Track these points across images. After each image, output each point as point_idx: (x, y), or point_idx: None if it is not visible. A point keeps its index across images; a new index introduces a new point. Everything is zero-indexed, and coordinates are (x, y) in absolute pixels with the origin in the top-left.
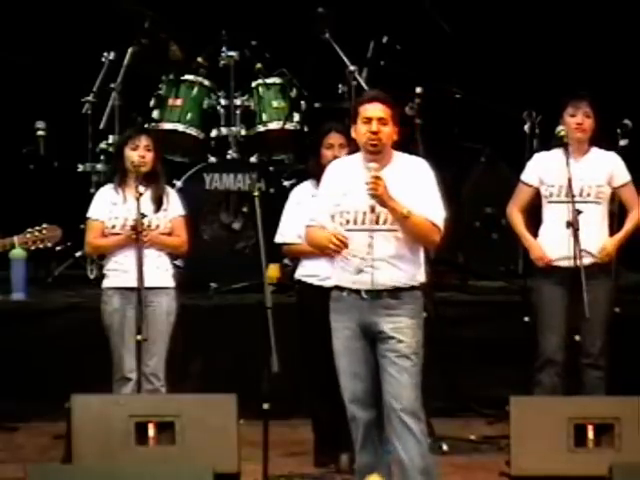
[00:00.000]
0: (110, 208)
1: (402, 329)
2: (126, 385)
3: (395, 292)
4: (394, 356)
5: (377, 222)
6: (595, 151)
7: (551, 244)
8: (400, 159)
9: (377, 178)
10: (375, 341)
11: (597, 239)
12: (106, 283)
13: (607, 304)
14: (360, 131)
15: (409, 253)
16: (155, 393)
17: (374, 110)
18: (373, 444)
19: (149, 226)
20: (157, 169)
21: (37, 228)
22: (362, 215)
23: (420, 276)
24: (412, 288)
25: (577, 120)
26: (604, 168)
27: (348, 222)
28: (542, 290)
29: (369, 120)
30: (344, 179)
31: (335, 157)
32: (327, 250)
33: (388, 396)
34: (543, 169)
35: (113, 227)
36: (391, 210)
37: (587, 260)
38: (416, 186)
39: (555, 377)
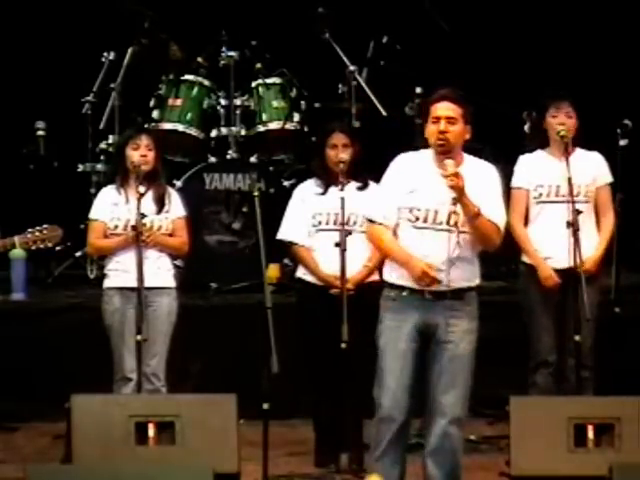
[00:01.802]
0: (112, 209)
1: (462, 332)
2: (126, 385)
3: (459, 293)
4: (449, 360)
5: (449, 222)
6: (579, 151)
7: (542, 244)
8: (470, 162)
9: (456, 173)
10: (429, 343)
11: (589, 239)
12: (107, 283)
13: (595, 305)
14: (430, 131)
15: (472, 255)
16: (155, 393)
17: (443, 109)
18: (401, 443)
19: (151, 227)
20: (158, 168)
21: (38, 228)
22: (433, 214)
23: (478, 278)
24: (471, 289)
25: (559, 120)
26: (590, 167)
27: (418, 219)
28: (531, 291)
29: (438, 119)
30: (412, 175)
31: (338, 157)
32: (418, 280)
33: (439, 403)
34: (531, 170)
35: (115, 228)
36: (465, 206)
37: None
38: (483, 189)
39: (549, 378)
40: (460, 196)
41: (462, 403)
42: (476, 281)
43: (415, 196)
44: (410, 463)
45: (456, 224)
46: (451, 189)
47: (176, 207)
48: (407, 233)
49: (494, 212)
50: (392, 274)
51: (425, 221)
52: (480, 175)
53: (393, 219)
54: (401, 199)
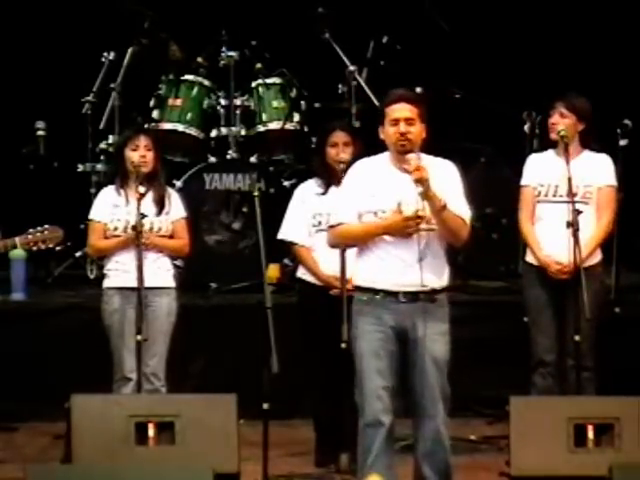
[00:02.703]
0: (112, 210)
1: (437, 334)
2: (126, 385)
3: (432, 294)
4: (430, 362)
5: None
6: (586, 153)
7: (542, 243)
8: (429, 160)
9: (419, 166)
10: (407, 346)
11: (584, 239)
12: (107, 283)
13: (594, 306)
14: (388, 133)
15: (442, 253)
16: (155, 393)
17: (401, 110)
18: (389, 446)
19: (151, 228)
20: (157, 169)
21: (39, 229)
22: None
23: (448, 278)
24: (443, 290)
25: (552, 120)
26: (592, 169)
27: None
28: (531, 292)
29: (397, 121)
30: (370, 180)
31: (339, 155)
32: (405, 230)
33: (425, 404)
34: (538, 169)
35: (115, 229)
36: (431, 199)
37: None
38: (445, 186)
39: (549, 377)
40: (426, 189)
41: (443, 404)
42: (446, 281)
43: (378, 199)
44: (402, 464)
45: (422, 221)
46: (417, 183)
47: (176, 208)
48: (376, 237)
49: (458, 206)
50: (365, 278)
51: None
52: (440, 172)
53: (354, 221)
54: (363, 204)
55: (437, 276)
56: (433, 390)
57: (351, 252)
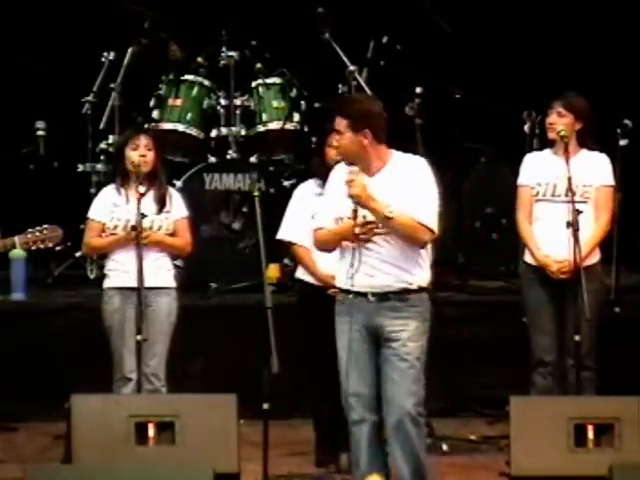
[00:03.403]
0: (111, 209)
1: (407, 333)
2: (126, 385)
3: (402, 294)
4: (397, 360)
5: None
6: (584, 152)
7: (540, 243)
8: (398, 159)
9: (351, 180)
10: (379, 344)
11: (583, 239)
12: (107, 283)
13: (594, 305)
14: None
15: (404, 255)
16: (155, 393)
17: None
18: (378, 445)
19: (151, 227)
20: (158, 168)
21: (38, 228)
22: (348, 220)
23: (422, 279)
24: (418, 291)
25: (549, 120)
26: (590, 168)
27: None
28: (530, 292)
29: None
30: (339, 185)
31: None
32: (356, 238)
33: (389, 400)
34: (535, 169)
35: (115, 228)
36: (372, 211)
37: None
38: (410, 185)
39: (548, 377)
40: (360, 203)
41: (411, 400)
42: (418, 282)
43: (341, 206)
44: None
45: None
46: (350, 197)
47: (178, 208)
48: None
49: (419, 209)
50: (339, 279)
51: None
52: (408, 171)
53: (330, 225)
54: (334, 210)
55: (400, 278)
56: (397, 386)
57: None
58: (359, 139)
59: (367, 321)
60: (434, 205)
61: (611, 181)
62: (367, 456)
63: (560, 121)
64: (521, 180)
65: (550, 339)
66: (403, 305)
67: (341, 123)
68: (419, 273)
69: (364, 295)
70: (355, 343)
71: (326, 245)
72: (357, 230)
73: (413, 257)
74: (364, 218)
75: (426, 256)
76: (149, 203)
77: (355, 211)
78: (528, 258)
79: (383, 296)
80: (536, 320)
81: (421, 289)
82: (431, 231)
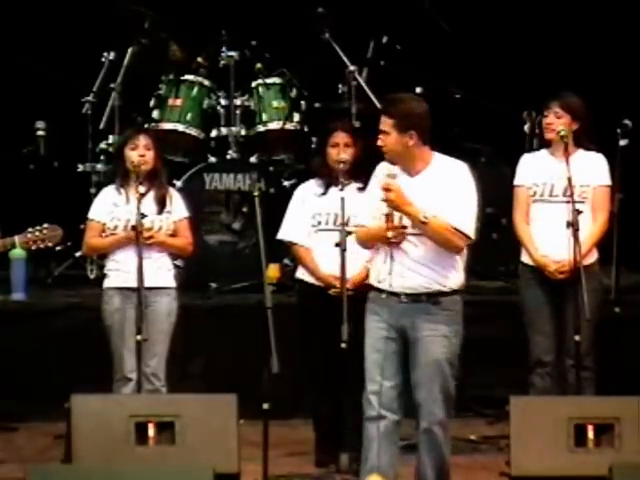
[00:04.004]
0: (111, 209)
1: (437, 336)
2: (126, 385)
3: (435, 296)
4: (426, 364)
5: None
6: (580, 152)
7: (539, 243)
8: (440, 162)
9: (387, 185)
10: (408, 345)
11: (581, 239)
12: (107, 283)
13: (593, 305)
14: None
15: (438, 258)
16: (155, 393)
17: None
18: (390, 444)
19: (151, 228)
20: (158, 168)
21: (38, 228)
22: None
23: (455, 282)
24: (451, 294)
25: (547, 120)
26: (587, 168)
27: None
28: (528, 292)
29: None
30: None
31: (340, 156)
32: (387, 240)
33: (419, 405)
34: (532, 169)
35: (115, 228)
36: (407, 215)
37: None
38: (449, 189)
39: (547, 378)
40: (395, 208)
41: (443, 405)
42: (451, 285)
43: (379, 206)
44: (407, 464)
45: (405, 228)
46: (384, 201)
47: (178, 208)
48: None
49: (455, 215)
50: (373, 276)
51: None
52: (449, 175)
53: (369, 223)
54: (373, 208)
55: (434, 280)
56: (428, 391)
57: (351, 252)
58: (405, 140)
59: (397, 321)
60: (472, 210)
61: (608, 181)
62: (377, 453)
63: (557, 122)
64: (517, 180)
65: (549, 340)
66: (435, 308)
67: (387, 122)
68: (453, 275)
69: (397, 295)
70: (383, 342)
71: (365, 243)
72: (389, 234)
73: (448, 259)
74: (400, 220)
75: (460, 259)
76: (149, 203)
77: (388, 215)
78: (525, 258)
79: (416, 297)
80: (535, 321)
81: (454, 292)
82: (467, 237)
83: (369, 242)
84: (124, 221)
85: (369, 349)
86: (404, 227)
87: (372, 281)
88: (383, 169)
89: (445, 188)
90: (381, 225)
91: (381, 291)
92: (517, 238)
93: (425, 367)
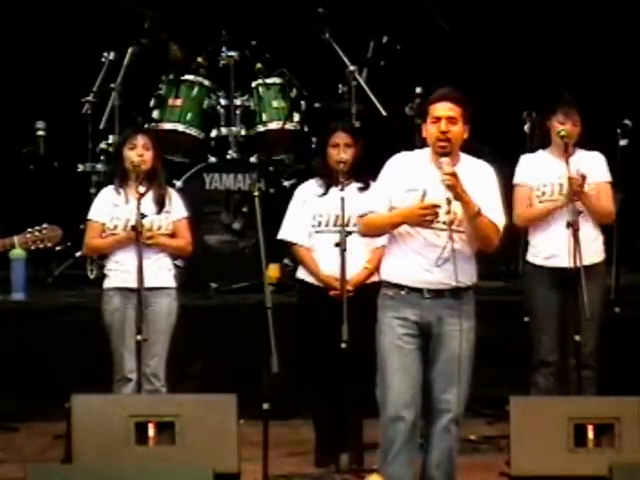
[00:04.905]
0: (111, 209)
1: (460, 331)
2: (126, 385)
3: (458, 292)
4: (447, 361)
5: (445, 221)
6: (580, 152)
7: (545, 244)
8: (468, 162)
9: (454, 171)
10: (429, 342)
11: (586, 239)
12: (107, 283)
13: (599, 304)
14: (429, 130)
15: (470, 253)
16: (155, 393)
17: (443, 109)
18: (410, 443)
19: (152, 228)
20: (157, 168)
21: (37, 228)
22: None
23: (475, 277)
24: (470, 288)
25: (566, 128)
26: (587, 167)
27: None
28: (535, 292)
29: (438, 119)
30: (408, 175)
31: (340, 156)
32: (421, 220)
33: (437, 402)
34: (533, 169)
35: (115, 228)
36: (465, 204)
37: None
38: (481, 189)
39: (550, 378)
40: (458, 195)
41: (462, 402)
42: (474, 280)
43: (412, 195)
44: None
45: (452, 223)
46: (447, 189)
47: (178, 208)
48: (405, 231)
49: (493, 212)
50: (391, 273)
51: None
52: (478, 175)
53: (383, 211)
54: (397, 198)
55: (462, 276)
56: (447, 387)
57: (351, 253)
58: (464, 132)
59: (420, 317)
60: (502, 211)
61: (609, 177)
62: (398, 451)
63: (575, 129)
64: (519, 179)
65: (555, 340)
66: (456, 303)
67: (456, 111)
68: (472, 271)
69: (419, 291)
70: (402, 340)
71: (375, 230)
72: (421, 212)
73: (469, 255)
74: (455, 214)
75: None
76: (149, 203)
77: (449, 200)
78: (531, 258)
79: (439, 293)
80: (542, 321)
81: (469, 287)
82: (500, 235)
83: (380, 228)
84: (124, 221)
85: (390, 349)
86: (438, 206)
87: (389, 277)
88: (401, 159)
89: (479, 186)
90: (413, 204)
91: (400, 287)
92: (528, 221)
93: (451, 365)
